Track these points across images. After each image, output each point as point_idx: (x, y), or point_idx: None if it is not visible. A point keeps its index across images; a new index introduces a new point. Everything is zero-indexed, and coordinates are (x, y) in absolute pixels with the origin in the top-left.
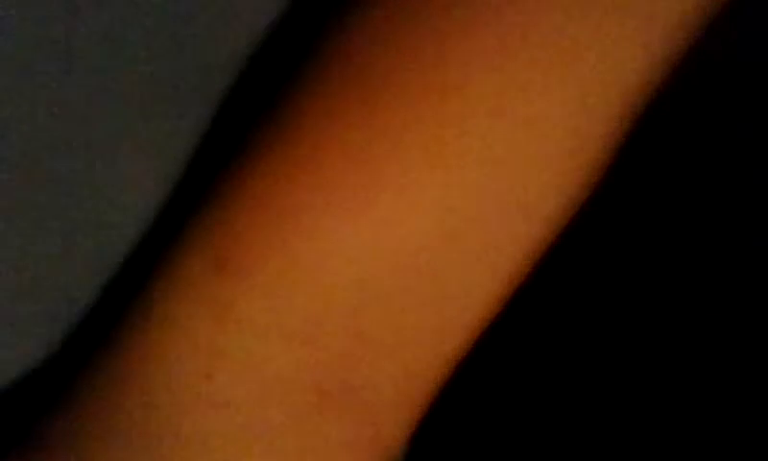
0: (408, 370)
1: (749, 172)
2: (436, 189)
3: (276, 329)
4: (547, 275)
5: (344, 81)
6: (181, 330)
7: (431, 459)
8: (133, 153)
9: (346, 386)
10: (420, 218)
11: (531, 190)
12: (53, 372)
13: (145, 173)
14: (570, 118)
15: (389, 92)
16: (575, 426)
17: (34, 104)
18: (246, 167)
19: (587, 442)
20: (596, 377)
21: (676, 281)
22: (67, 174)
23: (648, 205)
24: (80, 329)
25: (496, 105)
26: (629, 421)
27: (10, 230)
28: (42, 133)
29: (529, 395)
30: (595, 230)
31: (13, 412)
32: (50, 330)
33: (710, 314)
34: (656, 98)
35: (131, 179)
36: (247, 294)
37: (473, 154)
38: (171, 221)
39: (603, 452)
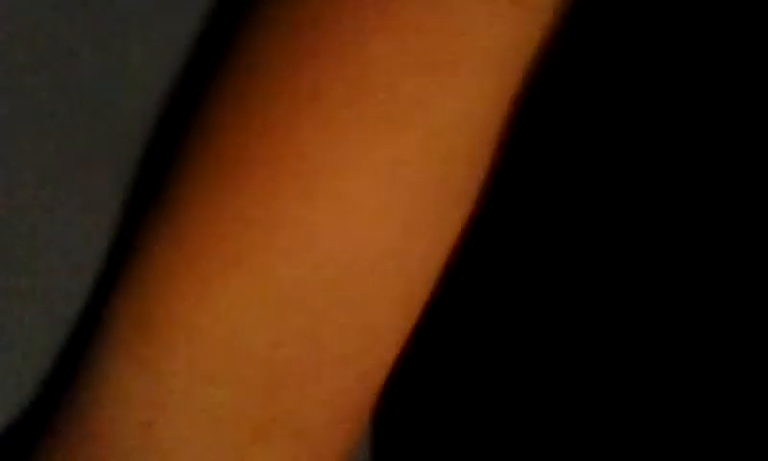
0: (335, 390)
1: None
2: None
3: (201, 377)
4: (545, 272)
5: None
6: (119, 387)
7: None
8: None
9: (276, 415)
10: (321, 250)
11: (415, 221)
12: (24, 426)
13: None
14: (428, 156)
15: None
16: (564, 423)
17: None
18: (150, 236)
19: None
20: (589, 375)
21: (673, 279)
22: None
23: (645, 202)
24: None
25: (361, 154)
26: (624, 419)
27: None
28: None
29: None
30: (593, 227)
31: None
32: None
33: (709, 313)
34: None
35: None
36: (168, 352)
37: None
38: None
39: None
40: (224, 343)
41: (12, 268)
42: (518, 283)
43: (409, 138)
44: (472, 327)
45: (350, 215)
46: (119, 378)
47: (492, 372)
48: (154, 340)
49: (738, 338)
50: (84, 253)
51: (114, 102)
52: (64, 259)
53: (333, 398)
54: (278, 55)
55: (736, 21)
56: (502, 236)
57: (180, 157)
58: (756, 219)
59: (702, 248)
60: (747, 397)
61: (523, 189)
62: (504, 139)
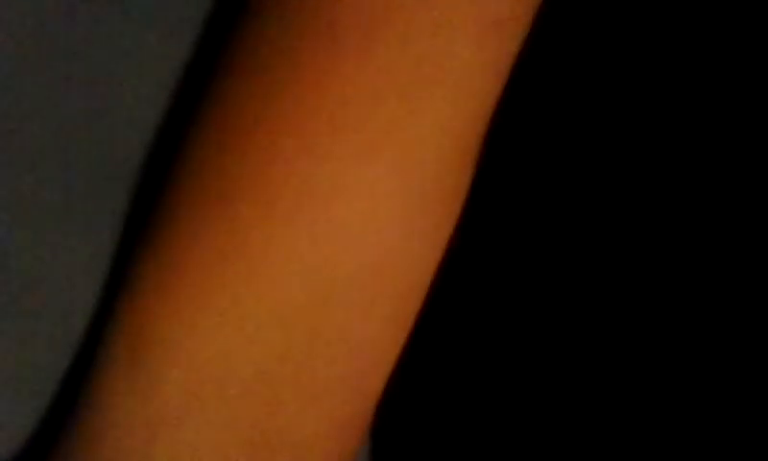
0: (333, 403)
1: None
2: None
3: (198, 401)
4: (540, 272)
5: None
6: (120, 411)
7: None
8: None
9: (275, 430)
10: (311, 270)
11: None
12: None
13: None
14: (407, 175)
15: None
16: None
17: None
18: (143, 263)
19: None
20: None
21: (668, 277)
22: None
23: (645, 203)
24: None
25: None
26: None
27: None
28: None
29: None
30: (584, 227)
31: None
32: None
33: (708, 311)
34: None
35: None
36: (161, 379)
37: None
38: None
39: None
40: (219, 363)
41: (14, 296)
42: (513, 284)
43: (387, 160)
44: (468, 329)
45: (336, 236)
46: (121, 402)
47: (489, 373)
48: (150, 365)
49: (738, 337)
50: (85, 280)
51: (113, 130)
52: (65, 287)
53: (331, 411)
54: (260, 83)
55: (731, 19)
56: (495, 238)
57: (172, 183)
58: (753, 215)
59: (696, 245)
60: (747, 397)
61: (517, 189)
62: (489, 141)
